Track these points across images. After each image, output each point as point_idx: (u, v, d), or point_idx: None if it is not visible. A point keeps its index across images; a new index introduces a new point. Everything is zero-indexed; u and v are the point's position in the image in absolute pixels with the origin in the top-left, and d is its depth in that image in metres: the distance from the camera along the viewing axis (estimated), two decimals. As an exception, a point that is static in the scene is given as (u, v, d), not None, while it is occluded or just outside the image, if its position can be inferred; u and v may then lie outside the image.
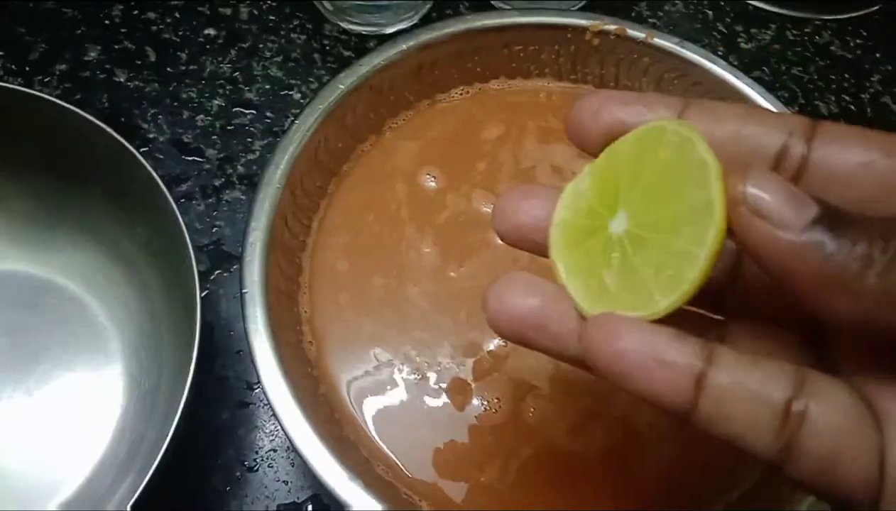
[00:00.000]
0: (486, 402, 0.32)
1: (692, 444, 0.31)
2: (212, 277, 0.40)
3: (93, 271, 0.39)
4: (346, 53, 0.47)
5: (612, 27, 0.38)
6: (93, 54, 0.47)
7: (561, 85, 0.40)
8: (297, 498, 0.35)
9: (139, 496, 0.28)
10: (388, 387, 0.32)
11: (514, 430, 0.31)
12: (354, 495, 0.28)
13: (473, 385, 0.32)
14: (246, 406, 0.37)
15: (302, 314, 0.34)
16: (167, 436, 0.29)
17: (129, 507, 0.28)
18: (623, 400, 0.32)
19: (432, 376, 0.32)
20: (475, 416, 0.32)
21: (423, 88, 0.39)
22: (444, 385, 0.32)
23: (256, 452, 0.36)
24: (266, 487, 0.36)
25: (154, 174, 0.32)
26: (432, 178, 0.37)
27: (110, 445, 0.36)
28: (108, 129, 0.33)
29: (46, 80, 0.45)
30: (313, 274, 0.35)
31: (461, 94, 0.40)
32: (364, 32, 0.48)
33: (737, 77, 0.37)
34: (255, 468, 0.36)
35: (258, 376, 0.29)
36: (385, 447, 0.31)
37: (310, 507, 0.35)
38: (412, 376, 0.32)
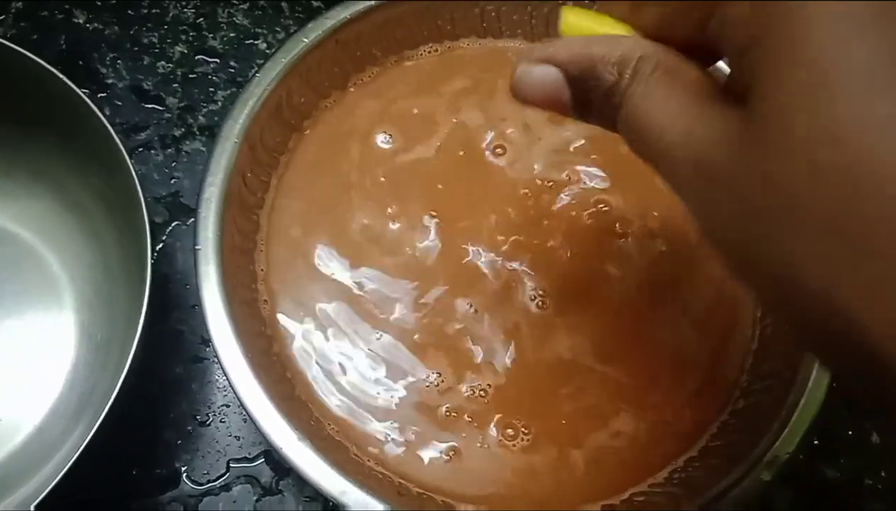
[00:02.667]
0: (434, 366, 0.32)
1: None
2: (169, 229, 0.40)
3: (47, 220, 0.38)
4: (315, 3, 0.46)
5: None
6: (51, -8, 0.45)
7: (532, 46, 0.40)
8: (249, 453, 0.36)
9: (88, 444, 0.28)
10: (340, 347, 0.32)
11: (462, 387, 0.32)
12: (302, 456, 0.28)
13: (423, 344, 0.32)
14: (200, 361, 0.37)
15: (258, 272, 0.33)
16: (115, 388, 0.29)
17: (76, 456, 0.28)
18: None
19: (384, 337, 0.32)
20: (425, 376, 0.32)
21: (390, 45, 0.38)
22: (400, 345, 0.32)
23: (209, 407, 0.36)
24: (217, 442, 0.36)
25: (106, 123, 0.31)
26: (387, 138, 0.36)
27: (61, 395, 0.36)
28: (61, 75, 0.32)
29: (1, 18, 0.44)
30: (270, 233, 0.34)
31: (429, 52, 0.39)
32: (334, -18, 0.46)
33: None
34: (208, 423, 0.36)
35: (209, 334, 0.29)
36: (335, 406, 0.31)
37: (261, 463, 0.35)
38: (367, 339, 0.32)
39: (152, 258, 0.31)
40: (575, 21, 0.22)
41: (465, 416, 0.31)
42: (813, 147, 0.15)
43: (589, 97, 0.21)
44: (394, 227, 0.34)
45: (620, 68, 0.20)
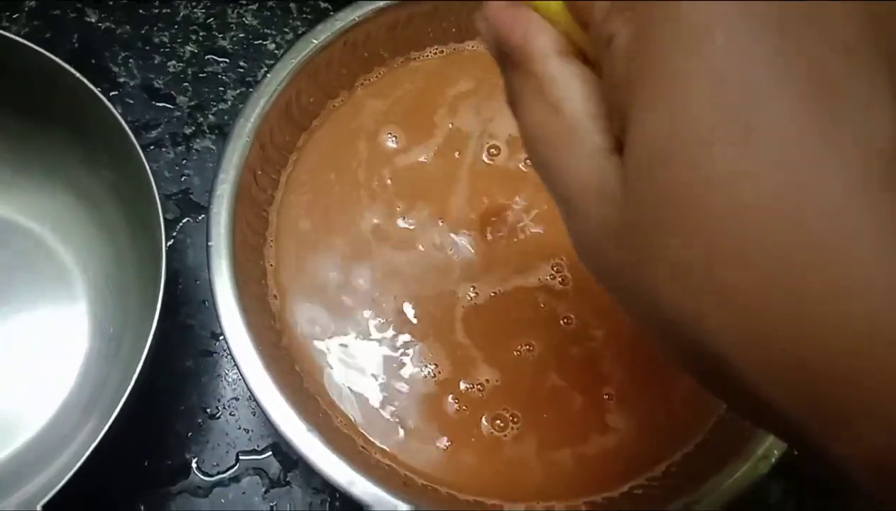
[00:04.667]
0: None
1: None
2: (179, 226, 0.40)
3: (60, 214, 0.39)
4: (323, 5, 0.47)
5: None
6: (63, -9, 0.46)
7: (536, 49, 0.40)
8: (258, 446, 0.36)
9: (101, 440, 0.29)
10: (349, 342, 0.33)
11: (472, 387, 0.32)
12: (311, 447, 0.29)
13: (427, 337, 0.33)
14: (210, 354, 0.38)
15: (267, 267, 0.34)
16: (130, 382, 0.29)
17: (90, 450, 0.29)
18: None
19: (391, 333, 0.33)
20: (427, 369, 0.33)
21: (397, 46, 0.39)
22: (403, 340, 0.33)
23: (219, 400, 0.37)
24: (227, 435, 0.36)
25: (120, 119, 0.32)
26: (393, 138, 0.37)
27: (74, 388, 0.36)
28: (74, 71, 0.33)
29: (15, 16, 0.45)
30: (280, 228, 0.35)
31: (435, 53, 0.40)
32: (342, -16, 0.47)
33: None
34: (217, 415, 0.37)
35: (221, 328, 0.30)
36: (342, 399, 0.32)
37: (270, 455, 0.36)
38: (372, 333, 0.33)
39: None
40: None
41: (466, 408, 0.32)
42: (659, 209, 0.15)
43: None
44: (399, 224, 0.35)
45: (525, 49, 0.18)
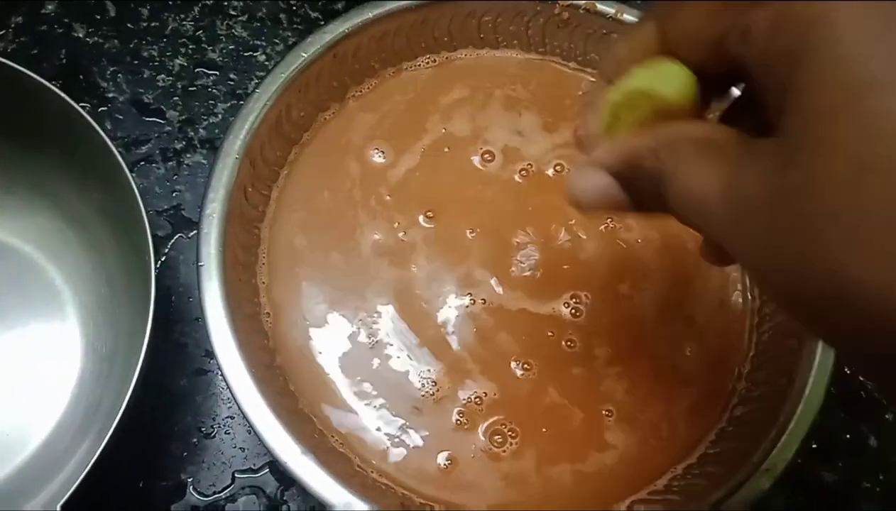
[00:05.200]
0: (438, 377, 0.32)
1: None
2: (171, 242, 0.40)
3: (49, 234, 0.38)
4: (314, 15, 0.46)
5: (581, 1, 0.38)
6: (50, 7, 0.45)
7: (529, 56, 0.40)
8: (254, 464, 0.36)
9: (95, 462, 0.28)
10: (344, 360, 0.33)
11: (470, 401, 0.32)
12: (306, 469, 0.28)
13: (425, 353, 0.33)
14: (204, 373, 0.38)
15: (260, 285, 0.34)
16: (123, 403, 0.29)
17: (85, 472, 0.29)
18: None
19: (388, 350, 0.33)
20: (425, 386, 0.32)
21: (388, 57, 0.38)
22: (401, 356, 0.33)
23: (213, 419, 0.37)
24: (223, 454, 0.36)
25: (106, 138, 0.32)
26: (381, 153, 0.36)
27: (67, 409, 0.36)
28: (59, 91, 0.32)
29: (1, 33, 0.44)
30: (272, 245, 0.34)
31: (427, 64, 0.39)
32: (332, -7, 0.47)
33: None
34: (212, 435, 0.36)
35: (213, 351, 0.29)
36: (338, 418, 0.32)
37: (266, 473, 0.36)
38: (367, 348, 0.33)
39: (155, 272, 0.31)
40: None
41: (464, 425, 0.32)
42: (857, 145, 0.14)
43: (640, 188, 0.21)
44: (396, 238, 0.35)
45: (659, 154, 0.20)
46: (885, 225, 0.14)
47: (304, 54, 0.35)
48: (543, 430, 0.32)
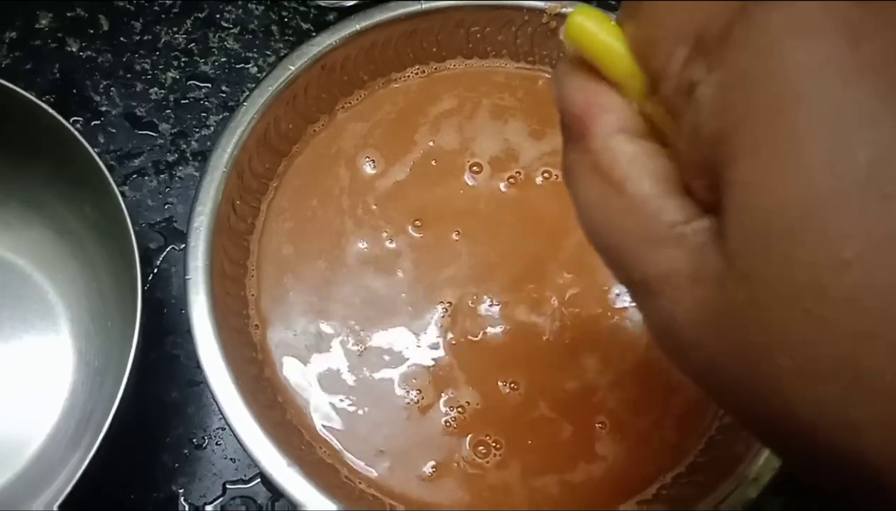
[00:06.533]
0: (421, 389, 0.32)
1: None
2: (163, 255, 0.40)
3: (41, 248, 0.39)
4: (305, 26, 0.46)
5: (569, 10, 0.38)
6: (44, 22, 0.45)
7: (518, 66, 0.40)
8: (245, 475, 0.36)
9: (85, 473, 0.29)
10: (331, 370, 0.33)
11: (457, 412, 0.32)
12: (292, 482, 0.28)
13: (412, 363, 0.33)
14: (196, 384, 0.38)
15: (249, 298, 0.34)
16: (110, 413, 0.29)
17: (74, 481, 0.29)
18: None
19: (374, 359, 0.33)
20: (412, 396, 0.32)
21: (377, 68, 0.38)
22: (387, 366, 0.33)
23: (205, 430, 0.37)
24: (214, 465, 0.36)
25: (93, 153, 0.32)
26: (371, 162, 0.36)
27: (58, 422, 0.36)
28: (48, 107, 0.33)
29: (-5, 48, 0.45)
30: (261, 257, 0.35)
31: (416, 74, 0.39)
32: (323, 5, 0.47)
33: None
34: (204, 446, 0.37)
35: (200, 365, 0.30)
36: (326, 430, 0.32)
37: (257, 483, 0.36)
38: (355, 357, 0.33)
39: (146, 285, 0.31)
40: (580, 25, 0.19)
41: (450, 434, 0.32)
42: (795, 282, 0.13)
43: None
44: (384, 248, 0.35)
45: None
46: (839, 363, 0.12)
47: (291, 67, 0.36)
48: (529, 442, 0.32)
